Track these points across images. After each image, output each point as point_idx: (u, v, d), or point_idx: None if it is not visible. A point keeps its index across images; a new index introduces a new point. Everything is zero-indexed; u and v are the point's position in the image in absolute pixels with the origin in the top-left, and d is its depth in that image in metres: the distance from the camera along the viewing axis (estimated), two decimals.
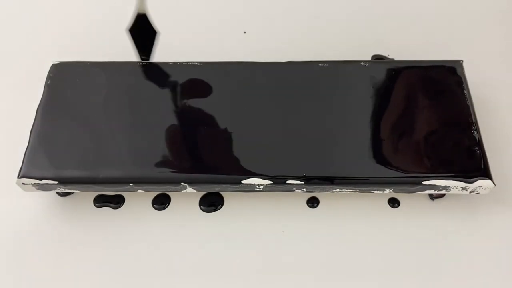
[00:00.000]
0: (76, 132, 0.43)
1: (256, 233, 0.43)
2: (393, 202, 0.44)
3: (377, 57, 0.53)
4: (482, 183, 0.40)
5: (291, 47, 0.54)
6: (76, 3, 0.58)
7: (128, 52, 0.53)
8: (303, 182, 0.41)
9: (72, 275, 0.41)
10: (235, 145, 0.42)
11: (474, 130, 0.42)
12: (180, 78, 0.46)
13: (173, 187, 0.42)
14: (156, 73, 0.46)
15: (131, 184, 0.41)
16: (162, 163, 0.41)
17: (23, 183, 0.41)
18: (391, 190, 0.41)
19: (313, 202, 0.44)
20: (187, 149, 0.42)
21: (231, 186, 0.41)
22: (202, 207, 0.44)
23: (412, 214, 0.44)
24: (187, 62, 0.47)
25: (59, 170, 0.41)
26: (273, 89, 0.45)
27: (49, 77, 0.46)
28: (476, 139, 0.42)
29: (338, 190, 0.41)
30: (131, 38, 0.45)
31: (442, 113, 0.43)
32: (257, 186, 0.41)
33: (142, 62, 0.47)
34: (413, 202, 0.44)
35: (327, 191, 0.43)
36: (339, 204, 0.44)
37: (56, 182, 0.41)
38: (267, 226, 0.43)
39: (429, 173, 0.40)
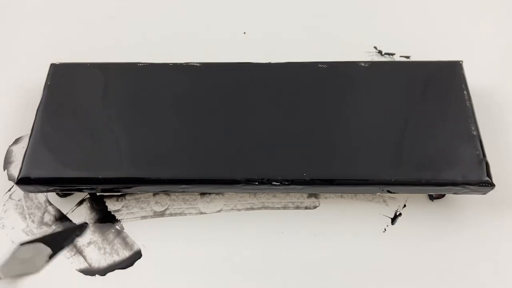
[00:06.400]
0: (76, 133, 0.43)
1: (255, 234, 0.43)
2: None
3: (378, 50, 0.53)
4: (482, 184, 0.40)
5: (291, 47, 0.54)
6: (76, 3, 0.58)
7: (128, 53, 0.53)
8: (303, 183, 0.41)
9: (72, 275, 0.41)
10: (235, 146, 0.42)
11: (474, 130, 0.42)
12: (180, 78, 0.46)
13: (173, 187, 0.42)
14: (156, 74, 0.46)
15: (131, 185, 0.41)
16: (162, 164, 0.41)
17: (23, 184, 0.41)
18: (391, 191, 0.41)
19: (313, 202, 0.44)
20: (187, 149, 0.42)
21: (231, 187, 0.41)
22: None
23: (412, 214, 0.44)
24: (187, 63, 0.47)
25: (59, 170, 0.41)
26: (273, 89, 0.45)
27: (49, 77, 0.46)
28: (476, 139, 0.42)
29: (337, 191, 0.41)
30: None
31: (442, 113, 0.43)
32: (257, 187, 0.41)
33: (141, 63, 0.47)
34: (413, 203, 0.44)
35: (327, 192, 0.43)
36: (339, 204, 0.44)
37: (56, 183, 0.41)
38: (267, 226, 0.43)
39: (428, 174, 0.40)
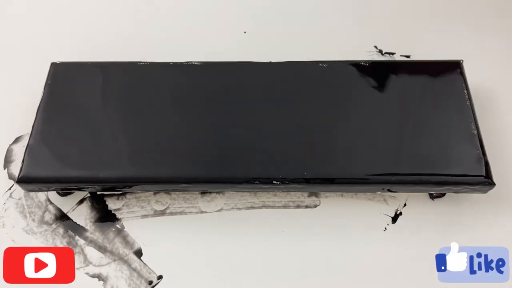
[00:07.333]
0: (76, 132, 0.43)
1: (256, 233, 0.43)
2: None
3: (378, 50, 0.53)
4: (482, 183, 0.40)
5: (291, 47, 0.54)
6: (76, 3, 0.58)
7: (128, 52, 0.53)
8: (303, 182, 0.41)
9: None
10: (235, 145, 0.42)
11: (474, 129, 0.42)
12: (180, 78, 0.46)
13: (173, 187, 0.42)
14: (156, 73, 0.46)
15: (131, 184, 0.41)
16: (162, 163, 0.41)
17: (23, 183, 0.41)
18: (391, 190, 0.41)
19: (313, 201, 0.44)
20: (187, 148, 0.42)
21: (232, 185, 0.41)
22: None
23: (412, 213, 0.44)
24: (187, 62, 0.47)
25: (59, 170, 0.41)
26: (273, 89, 0.45)
27: (49, 77, 0.46)
28: (476, 138, 0.42)
29: (338, 190, 0.41)
30: None
31: (442, 113, 0.43)
32: (258, 186, 0.41)
33: (142, 62, 0.47)
34: (413, 202, 0.44)
35: (327, 191, 0.43)
36: (339, 203, 0.44)
37: (56, 182, 0.41)
38: (268, 225, 0.43)
39: (429, 173, 0.40)
